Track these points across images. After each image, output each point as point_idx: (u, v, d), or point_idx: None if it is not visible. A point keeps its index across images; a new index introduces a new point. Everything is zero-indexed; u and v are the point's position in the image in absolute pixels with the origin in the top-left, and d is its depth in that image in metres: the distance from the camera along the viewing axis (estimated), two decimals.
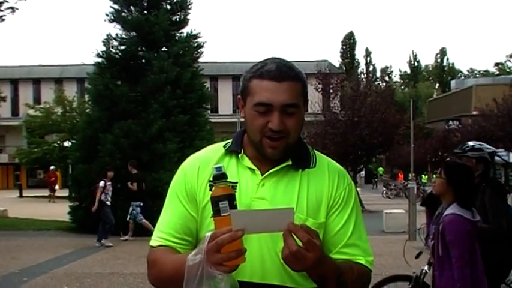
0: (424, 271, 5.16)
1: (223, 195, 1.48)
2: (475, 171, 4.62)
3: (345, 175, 1.77)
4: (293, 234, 1.43)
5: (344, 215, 1.71)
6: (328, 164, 1.77)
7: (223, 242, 1.41)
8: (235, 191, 1.61)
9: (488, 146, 5.05)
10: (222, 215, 1.46)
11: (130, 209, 13.13)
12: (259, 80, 1.63)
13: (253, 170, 1.69)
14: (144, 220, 12.93)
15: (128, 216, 13.16)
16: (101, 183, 12.61)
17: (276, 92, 1.61)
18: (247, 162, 1.70)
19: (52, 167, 12.49)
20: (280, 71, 1.62)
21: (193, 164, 1.74)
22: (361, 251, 1.70)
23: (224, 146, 1.75)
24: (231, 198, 1.48)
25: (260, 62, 1.68)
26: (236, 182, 1.66)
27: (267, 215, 1.46)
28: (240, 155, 1.71)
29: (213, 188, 1.52)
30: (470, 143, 5.08)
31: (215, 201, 1.48)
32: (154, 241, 1.71)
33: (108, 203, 12.74)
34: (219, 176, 1.52)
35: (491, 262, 4.33)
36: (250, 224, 1.43)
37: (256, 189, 1.67)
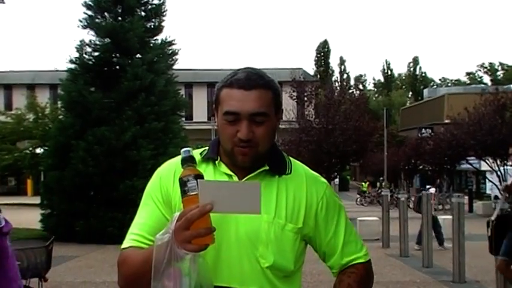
0: None
1: (191, 175, 1.47)
2: None
3: (322, 180, 1.80)
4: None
5: (334, 216, 1.76)
6: (305, 171, 1.78)
7: (193, 218, 1.39)
8: None
9: None
10: (190, 194, 1.45)
11: None
12: (229, 89, 1.62)
13: (230, 175, 1.68)
14: None
15: None
16: None
17: (244, 100, 1.60)
18: (224, 168, 1.69)
19: None
20: (249, 79, 1.62)
21: (169, 168, 1.73)
22: (357, 245, 1.80)
23: (200, 154, 1.74)
24: (199, 179, 1.47)
25: (233, 71, 1.68)
26: None
27: (234, 188, 1.46)
28: (217, 162, 1.71)
29: (182, 171, 1.51)
30: None
31: (183, 181, 1.47)
32: (126, 243, 1.67)
33: None
34: (187, 159, 1.53)
35: None
36: (219, 197, 1.41)
37: None
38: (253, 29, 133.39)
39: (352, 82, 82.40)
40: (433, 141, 32.97)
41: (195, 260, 1.44)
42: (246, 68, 1.68)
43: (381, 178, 44.23)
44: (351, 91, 33.25)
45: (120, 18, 15.34)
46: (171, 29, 32.66)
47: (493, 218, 7.04)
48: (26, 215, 20.19)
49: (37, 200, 17.11)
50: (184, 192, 1.47)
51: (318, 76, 63.68)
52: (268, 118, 1.63)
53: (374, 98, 77.73)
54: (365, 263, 1.79)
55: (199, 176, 1.48)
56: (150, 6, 15.83)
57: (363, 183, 41.69)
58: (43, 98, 33.97)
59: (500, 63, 70.72)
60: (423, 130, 40.90)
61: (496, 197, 25.06)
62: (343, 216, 1.79)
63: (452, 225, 9.03)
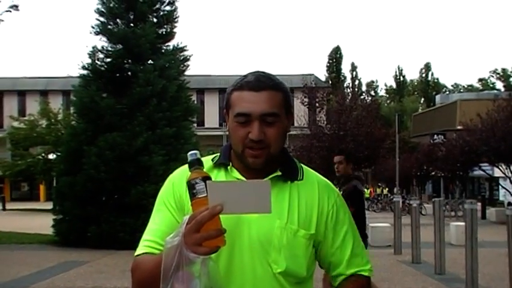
0: None
1: (199, 178, 1.46)
2: None
3: (333, 188, 1.80)
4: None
5: (343, 227, 1.74)
6: (317, 178, 1.78)
7: (203, 220, 1.38)
8: None
9: None
10: (199, 196, 1.44)
11: None
12: (239, 92, 1.64)
13: None
14: None
15: None
16: None
17: (255, 101, 1.61)
18: (236, 174, 1.69)
19: None
20: (259, 81, 1.64)
21: (181, 174, 1.71)
22: (363, 259, 1.78)
23: (212, 160, 1.74)
24: (207, 181, 1.45)
25: (242, 75, 1.70)
26: None
27: (243, 188, 1.43)
28: (228, 167, 1.70)
29: (189, 174, 1.50)
30: None
31: (191, 184, 1.46)
32: (139, 250, 1.66)
33: None
34: (195, 162, 1.52)
35: None
36: (228, 198, 1.39)
37: None
38: (265, 35, 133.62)
39: (363, 88, 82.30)
40: (445, 148, 32.80)
41: (205, 263, 1.43)
42: (255, 71, 1.70)
43: (379, 184, 43.99)
44: (362, 97, 33.15)
45: (132, 24, 15.42)
46: (182, 35, 32.89)
47: None
48: (38, 221, 20.34)
49: (49, 205, 17.20)
50: (193, 195, 1.46)
51: (330, 82, 63.60)
52: (279, 119, 1.64)
53: (386, 104, 77.52)
54: (367, 278, 1.79)
55: (207, 178, 1.47)
56: (162, 13, 15.91)
57: (364, 190, 41.46)
58: (56, 104, 34.25)
59: None
60: (435, 136, 40.75)
61: (509, 204, 24.84)
62: (352, 228, 1.77)
63: (465, 232, 8.96)
